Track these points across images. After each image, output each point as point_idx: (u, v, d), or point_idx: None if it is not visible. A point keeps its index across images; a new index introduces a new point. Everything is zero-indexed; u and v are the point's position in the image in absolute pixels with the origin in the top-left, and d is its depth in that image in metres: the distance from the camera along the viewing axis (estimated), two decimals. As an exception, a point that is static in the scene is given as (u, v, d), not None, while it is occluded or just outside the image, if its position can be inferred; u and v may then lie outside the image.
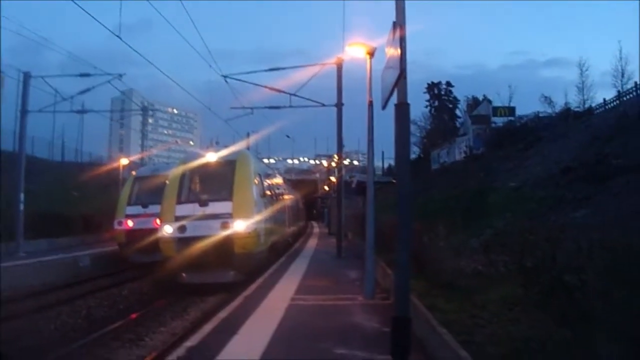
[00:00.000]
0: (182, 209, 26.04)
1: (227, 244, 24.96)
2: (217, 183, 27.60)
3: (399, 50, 9.52)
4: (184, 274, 25.27)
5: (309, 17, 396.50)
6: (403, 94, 9.66)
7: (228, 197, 26.16)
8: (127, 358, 15.68)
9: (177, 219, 25.74)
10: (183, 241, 25.22)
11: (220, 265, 24.96)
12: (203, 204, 26.01)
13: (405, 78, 9.59)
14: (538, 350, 8.92)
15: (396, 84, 9.74)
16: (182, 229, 25.48)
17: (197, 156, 29.47)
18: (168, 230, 25.72)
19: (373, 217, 18.52)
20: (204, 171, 28.08)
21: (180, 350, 11.80)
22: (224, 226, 25.22)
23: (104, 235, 44.27)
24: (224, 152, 28.89)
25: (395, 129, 9.66)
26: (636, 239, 7.81)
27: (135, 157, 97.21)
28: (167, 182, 28.23)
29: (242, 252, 25.10)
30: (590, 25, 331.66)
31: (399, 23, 9.76)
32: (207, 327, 14.02)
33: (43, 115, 44.51)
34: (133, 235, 32.88)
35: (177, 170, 28.23)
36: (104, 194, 56.57)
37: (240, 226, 25.22)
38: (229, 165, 27.27)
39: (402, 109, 9.64)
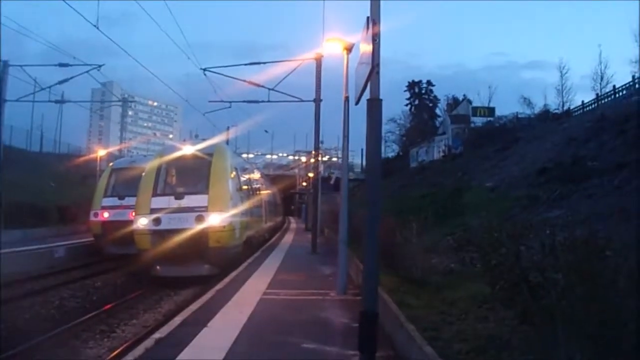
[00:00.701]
0: (158, 202, 25.96)
1: (201, 237, 24.90)
2: (193, 176, 27.60)
3: (372, 46, 9.53)
4: (158, 267, 25.21)
5: (290, 11, 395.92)
6: (376, 90, 9.64)
7: (204, 190, 26.13)
8: (97, 350, 15.65)
9: (153, 211, 25.64)
10: (158, 234, 25.13)
11: (195, 258, 24.93)
12: (179, 196, 25.98)
13: (378, 74, 9.58)
14: (503, 348, 8.99)
15: (368, 79, 9.73)
16: (157, 221, 25.37)
17: (174, 149, 29.46)
18: (143, 222, 25.63)
19: (346, 213, 18.56)
20: (181, 164, 27.97)
21: (148, 342, 11.77)
22: (199, 219, 25.14)
23: (80, 227, 44.00)
24: (201, 146, 28.82)
25: (367, 123, 9.66)
26: (600, 237, 7.86)
27: (113, 149, 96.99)
28: (143, 174, 28.09)
29: (217, 245, 25.04)
30: (571, 28, 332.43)
31: (373, 19, 9.75)
32: (177, 320, 14.00)
33: (22, 104, 44.42)
34: (109, 226, 32.71)
35: (154, 163, 28.15)
36: (82, 185, 56.44)
37: (215, 220, 25.17)
38: (205, 158, 27.15)
39: (374, 104, 9.62)
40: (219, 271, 24.54)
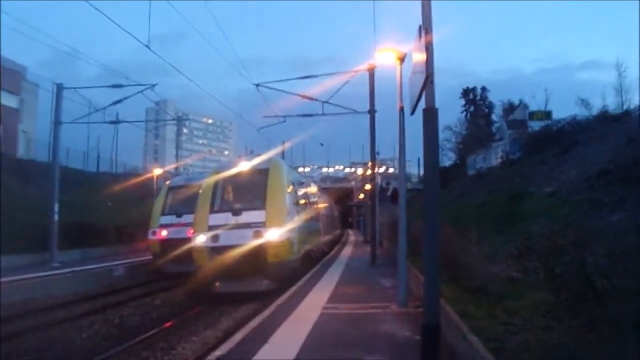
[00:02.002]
0: (215, 218, 26.07)
1: (260, 252, 24.92)
2: (250, 192, 27.63)
3: (425, 55, 9.41)
4: (217, 283, 25.36)
5: (341, 24, 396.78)
6: (431, 99, 9.56)
7: (261, 205, 26.12)
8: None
9: (210, 228, 25.76)
10: (216, 250, 25.22)
11: (253, 274, 25.01)
12: (236, 213, 26.05)
13: (432, 83, 9.50)
14: (569, 358, 8.76)
15: (423, 88, 9.63)
16: (215, 238, 25.46)
17: (229, 165, 29.65)
18: (201, 239, 25.74)
19: (405, 224, 18.35)
20: (237, 180, 28.08)
21: (209, 359, 11.73)
22: (257, 235, 25.15)
23: (138, 245, 44.43)
24: (257, 161, 28.89)
25: (423, 134, 9.57)
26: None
27: (169, 167, 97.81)
28: (200, 191, 28.25)
29: (275, 260, 25.03)
30: (627, 25, 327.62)
31: (426, 27, 9.64)
32: (238, 336, 13.97)
33: (78, 126, 44.86)
34: (167, 244, 32.91)
35: (210, 180, 28.28)
36: (139, 204, 56.94)
37: (273, 235, 25.17)
38: (261, 173, 27.24)
39: (430, 113, 9.54)
40: (277, 286, 24.51)
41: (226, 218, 25.95)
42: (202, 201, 27.25)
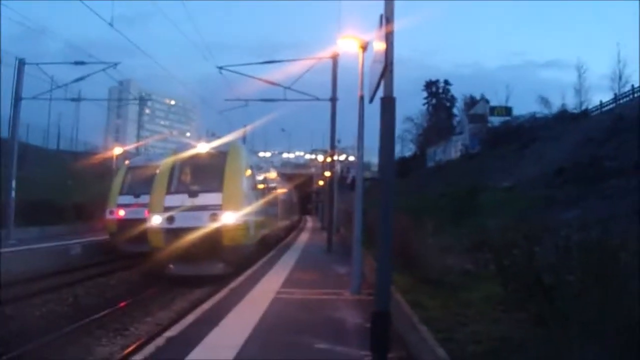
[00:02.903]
0: (172, 200, 25.77)
1: (215, 235, 24.71)
2: (208, 174, 27.32)
3: (385, 44, 9.45)
4: (171, 265, 25.05)
5: (307, 10, 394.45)
6: (389, 88, 9.56)
7: (218, 188, 25.88)
8: (110, 347, 15.63)
9: (166, 209, 25.47)
10: (171, 232, 24.94)
11: (209, 257, 24.74)
12: (193, 195, 25.82)
13: (391, 72, 9.50)
14: (516, 350, 8.88)
15: (382, 77, 9.65)
16: (170, 219, 25.19)
17: (188, 147, 29.30)
18: (156, 220, 25.47)
19: (361, 212, 18.47)
20: (195, 162, 27.80)
21: (159, 340, 11.73)
22: (213, 218, 24.96)
23: (96, 224, 44.08)
24: (216, 143, 28.69)
25: (380, 122, 9.57)
26: (615, 239, 7.75)
27: (130, 147, 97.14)
28: (157, 172, 28.06)
29: (231, 244, 24.88)
30: (589, 27, 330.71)
31: (387, 16, 9.66)
32: (190, 318, 13.99)
33: (39, 103, 44.49)
34: (124, 224, 32.73)
35: (168, 161, 28.02)
36: (98, 183, 56.49)
37: (229, 218, 24.99)
38: (220, 156, 27.00)
39: (388, 102, 9.54)
40: (233, 270, 24.38)
41: (182, 200, 25.64)
42: (159, 182, 26.99)
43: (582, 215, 22.85)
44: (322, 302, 16.85)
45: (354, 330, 12.91)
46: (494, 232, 12.54)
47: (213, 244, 24.65)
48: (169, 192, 26.22)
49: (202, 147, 28.13)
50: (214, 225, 24.85)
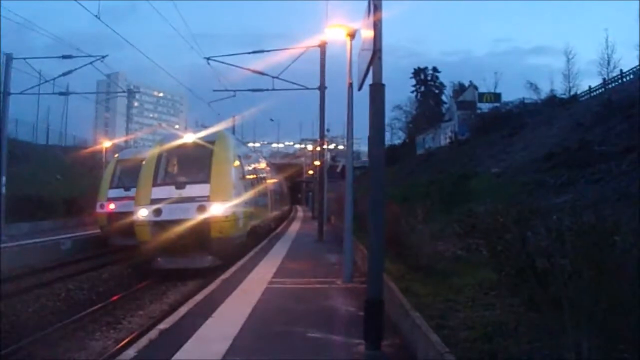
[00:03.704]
0: (158, 192, 25.48)
1: (204, 228, 24.51)
2: (195, 165, 27.10)
3: (373, 32, 9.42)
4: (159, 259, 24.85)
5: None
6: (378, 75, 9.53)
7: (205, 179, 25.67)
8: (103, 341, 15.64)
9: (153, 201, 25.15)
10: (159, 225, 24.69)
11: (197, 249, 24.56)
12: (180, 186, 25.53)
13: (380, 59, 9.47)
14: (509, 335, 8.88)
15: (370, 64, 9.64)
16: (157, 212, 24.89)
17: (174, 137, 28.94)
18: (143, 213, 25.17)
19: (352, 200, 18.48)
20: (181, 153, 27.57)
21: (153, 333, 11.69)
22: (201, 209, 24.72)
23: (86, 218, 44.04)
24: (203, 133, 28.41)
25: (370, 109, 9.55)
26: (608, 222, 7.75)
27: (119, 140, 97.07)
28: (144, 163, 27.75)
29: (220, 236, 24.64)
30: (577, 13, 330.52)
31: (375, 4, 9.63)
32: (183, 310, 13.94)
33: (27, 97, 44.32)
34: (115, 218, 32.68)
35: (154, 152, 27.72)
36: (88, 177, 56.49)
37: (217, 209, 24.78)
38: (207, 146, 26.68)
39: (377, 89, 9.51)
40: (222, 263, 24.03)
41: (169, 191, 25.37)
42: (145, 173, 26.65)
43: (572, 199, 22.91)
44: (314, 291, 16.84)
45: (347, 319, 12.89)
46: (484, 217, 12.51)
47: (201, 236, 24.44)
48: (155, 184, 25.92)
49: (189, 138, 27.78)
50: (202, 217, 24.61)
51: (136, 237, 25.75)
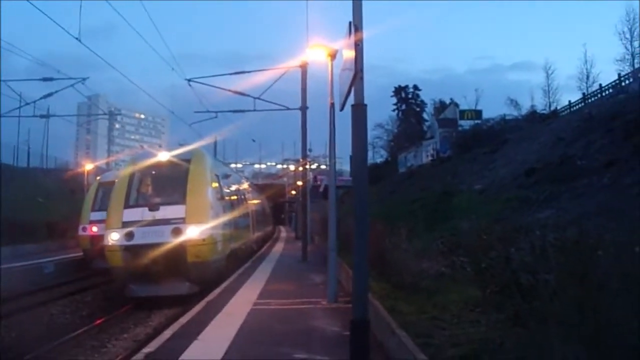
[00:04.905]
0: (130, 214, 24.24)
1: (179, 252, 23.41)
2: (169, 185, 26.08)
3: (354, 52, 9.46)
4: (131, 286, 23.43)
5: (275, 21, 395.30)
6: (360, 95, 9.59)
7: (181, 200, 24.45)
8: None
9: (125, 224, 23.90)
10: (131, 249, 23.56)
11: (173, 275, 23.37)
12: (153, 208, 24.43)
13: (361, 79, 9.53)
14: (496, 351, 8.90)
15: (352, 84, 9.67)
16: (129, 235, 23.66)
17: (148, 156, 27.75)
18: (114, 237, 24.01)
19: (335, 221, 18.43)
20: (155, 172, 26.42)
21: (138, 357, 11.62)
22: (176, 232, 23.57)
23: (68, 242, 43.84)
24: (178, 151, 26.96)
25: (352, 129, 9.60)
26: (591, 237, 7.80)
27: (101, 162, 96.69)
28: (115, 184, 26.97)
29: (197, 260, 23.52)
30: (556, 28, 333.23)
31: (356, 24, 9.68)
32: (167, 333, 13.85)
33: (8, 120, 44.28)
34: (97, 240, 32.40)
35: (126, 171, 26.89)
36: (69, 200, 56.17)
37: (193, 232, 23.59)
38: (182, 165, 25.57)
39: (359, 109, 9.56)
40: (199, 289, 23.01)
41: (142, 213, 24.21)
42: (116, 194, 25.64)
43: (555, 214, 23.02)
44: (299, 311, 16.82)
45: (332, 339, 12.88)
46: (468, 234, 12.57)
47: (176, 261, 23.29)
48: (127, 206, 24.67)
49: (163, 156, 26.56)
50: (177, 241, 23.42)
51: (107, 262, 24.71)
